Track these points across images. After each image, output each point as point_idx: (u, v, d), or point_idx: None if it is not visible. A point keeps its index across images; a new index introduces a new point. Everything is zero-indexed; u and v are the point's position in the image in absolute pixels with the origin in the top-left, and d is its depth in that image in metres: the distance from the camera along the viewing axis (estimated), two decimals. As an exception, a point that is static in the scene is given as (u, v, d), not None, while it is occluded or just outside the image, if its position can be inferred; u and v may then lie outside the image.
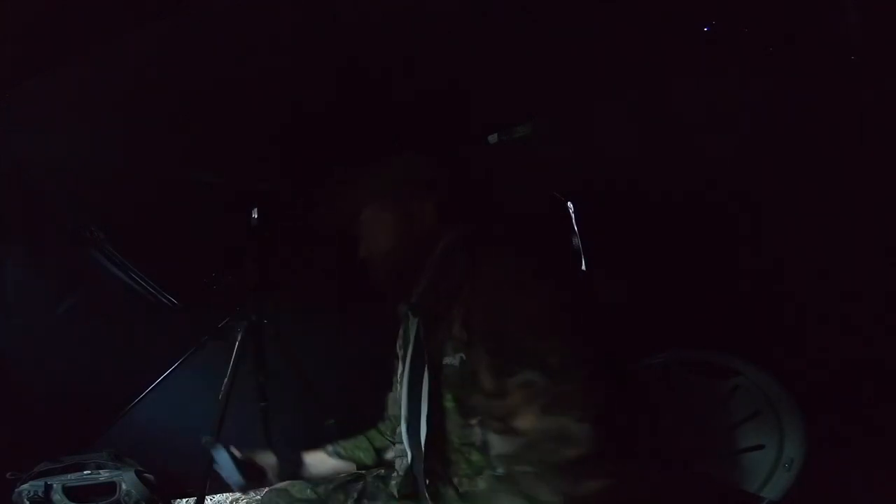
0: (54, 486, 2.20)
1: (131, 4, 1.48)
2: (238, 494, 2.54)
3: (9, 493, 2.20)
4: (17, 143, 1.98)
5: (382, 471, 1.51)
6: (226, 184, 2.07)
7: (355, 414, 1.82)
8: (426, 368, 1.30)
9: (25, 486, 2.19)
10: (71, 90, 1.75)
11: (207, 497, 2.22)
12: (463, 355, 1.24)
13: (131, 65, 1.68)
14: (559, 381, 1.13)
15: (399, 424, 1.42)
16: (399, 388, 1.45)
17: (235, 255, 2.18)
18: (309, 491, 1.46)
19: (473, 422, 1.24)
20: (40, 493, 2.17)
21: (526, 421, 1.14)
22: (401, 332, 1.53)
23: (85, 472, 2.26)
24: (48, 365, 2.38)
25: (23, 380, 2.36)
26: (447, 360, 1.27)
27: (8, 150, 2.01)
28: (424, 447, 1.27)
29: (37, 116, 1.87)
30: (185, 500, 2.44)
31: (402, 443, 1.39)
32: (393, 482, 1.42)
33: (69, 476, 2.24)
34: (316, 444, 1.67)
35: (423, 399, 1.29)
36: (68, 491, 2.21)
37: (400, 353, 1.52)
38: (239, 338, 2.09)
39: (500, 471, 1.21)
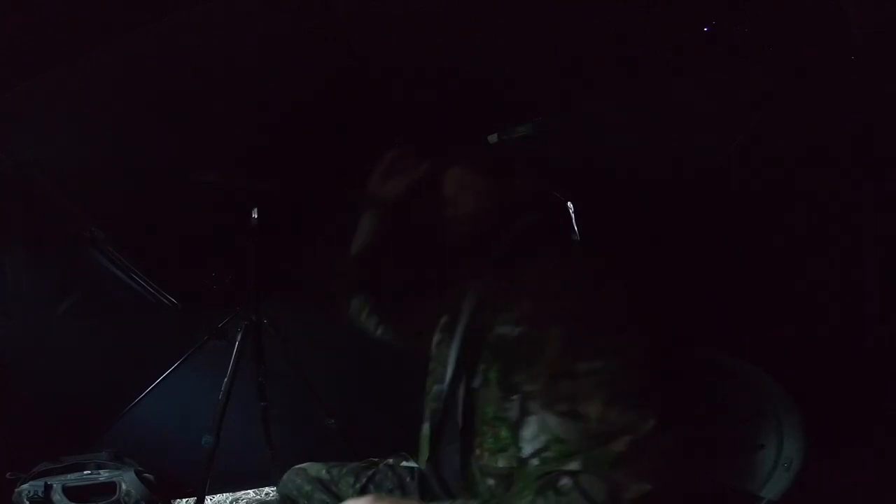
0: (54, 486, 2.20)
1: (131, 5, 1.48)
2: (238, 494, 2.55)
3: (9, 493, 2.20)
4: (17, 143, 1.98)
5: (391, 460, 1.52)
6: (225, 184, 2.07)
7: (355, 414, 1.82)
8: (469, 336, 1.31)
9: (25, 486, 2.19)
10: (70, 90, 1.75)
11: (207, 497, 2.22)
12: (525, 328, 1.23)
13: (131, 65, 1.68)
14: (632, 374, 1.14)
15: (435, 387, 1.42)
16: (440, 353, 1.44)
17: (235, 255, 2.18)
18: (324, 472, 1.50)
19: (514, 397, 1.22)
20: (40, 493, 2.17)
21: (593, 407, 1.12)
22: (452, 298, 1.50)
23: (85, 472, 2.26)
24: (48, 365, 2.38)
25: (23, 380, 2.37)
26: (502, 330, 1.26)
27: (8, 150, 2.01)
28: (463, 419, 1.28)
29: (37, 116, 1.87)
30: (185, 500, 2.44)
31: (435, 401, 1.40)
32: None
33: (69, 476, 2.24)
34: (315, 444, 1.67)
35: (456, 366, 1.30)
36: (68, 491, 2.21)
37: (443, 320, 1.50)
38: (239, 338, 2.09)
39: (527, 451, 1.19)
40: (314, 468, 1.51)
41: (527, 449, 1.19)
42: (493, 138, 2.03)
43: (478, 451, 1.26)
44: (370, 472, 1.49)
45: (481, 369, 1.28)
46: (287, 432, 2.26)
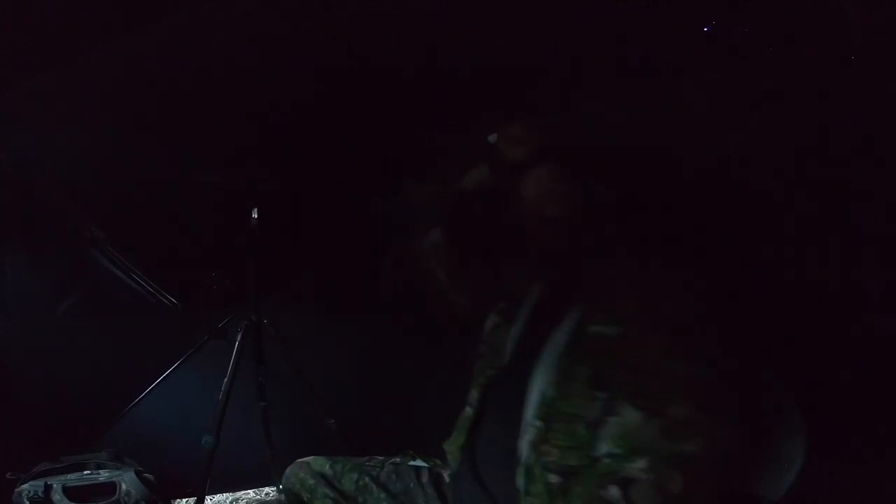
0: (54, 486, 2.20)
1: (131, 5, 1.48)
2: (238, 494, 2.55)
3: (9, 493, 2.20)
4: (17, 143, 1.98)
5: (398, 458, 1.52)
6: (225, 184, 2.07)
7: (355, 414, 1.82)
8: (533, 328, 1.30)
9: (25, 486, 2.18)
10: (70, 90, 1.75)
11: (207, 497, 2.22)
12: (626, 328, 1.20)
13: (131, 65, 1.68)
14: (720, 382, 1.13)
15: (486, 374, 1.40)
16: (495, 338, 1.43)
17: (235, 255, 2.18)
18: (327, 466, 1.50)
19: (600, 395, 1.18)
20: (40, 493, 2.17)
21: (678, 408, 1.10)
22: (518, 285, 1.48)
23: (85, 472, 2.26)
24: (48, 365, 2.38)
25: (23, 380, 2.37)
26: (598, 329, 1.23)
27: (8, 150, 2.01)
28: (539, 410, 1.24)
29: (37, 116, 1.87)
30: (185, 500, 2.44)
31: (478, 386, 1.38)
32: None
33: (69, 476, 2.23)
34: (315, 444, 1.67)
35: (549, 359, 1.26)
36: (68, 491, 2.20)
37: (501, 305, 1.48)
38: (239, 338, 2.09)
39: (601, 450, 1.16)
40: (318, 462, 1.51)
41: (602, 448, 1.17)
42: (492, 138, 2.03)
43: (544, 447, 1.22)
44: (375, 471, 1.49)
45: (563, 364, 1.25)
46: (287, 432, 2.26)
